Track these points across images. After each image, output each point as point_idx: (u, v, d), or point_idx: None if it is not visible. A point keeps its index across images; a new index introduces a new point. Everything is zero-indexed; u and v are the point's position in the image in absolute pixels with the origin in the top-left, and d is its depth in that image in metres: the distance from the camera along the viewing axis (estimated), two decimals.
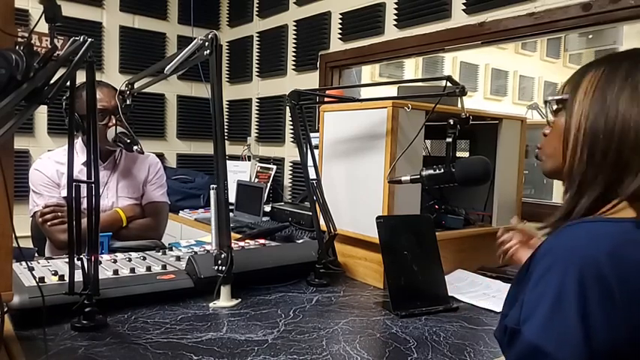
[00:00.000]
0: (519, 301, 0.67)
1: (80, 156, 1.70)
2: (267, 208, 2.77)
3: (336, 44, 2.94)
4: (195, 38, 1.22)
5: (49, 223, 1.82)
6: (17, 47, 0.79)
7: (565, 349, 0.60)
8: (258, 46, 3.60)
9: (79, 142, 1.90)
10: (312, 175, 1.51)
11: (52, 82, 0.85)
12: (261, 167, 3.24)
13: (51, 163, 1.92)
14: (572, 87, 0.78)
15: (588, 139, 0.73)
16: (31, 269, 1.03)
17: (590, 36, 4.03)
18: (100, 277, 1.07)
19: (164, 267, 1.31)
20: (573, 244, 0.66)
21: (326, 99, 1.85)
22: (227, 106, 3.85)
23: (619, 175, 0.71)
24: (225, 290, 1.22)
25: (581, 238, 0.66)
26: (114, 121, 1.85)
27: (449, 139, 1.28)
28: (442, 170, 1.28)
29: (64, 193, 1.84)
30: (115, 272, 1.22)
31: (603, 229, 0.67)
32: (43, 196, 1.88)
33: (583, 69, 0.79)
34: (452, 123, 1.27)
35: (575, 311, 0.60)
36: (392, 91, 1.96)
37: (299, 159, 1.50)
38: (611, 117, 0.71)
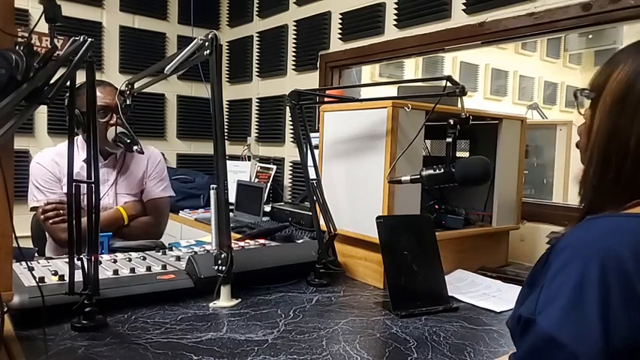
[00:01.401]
0: (535, 293, 0.66)
1: (81, 153, 1.69)
2: (267, 208, 2.77)
3: (336, 44, 2.94)
4: (195, 38, 1.22)
5: (50, 221, 1.82)
6: (17, 47, 0.79)
7: (581, 342, 0.58)
8: (258, 46, 3.59)
9: (79, 139, 1.90)
10: (312, 175, 1.51)
11: (52, 82, 0.85)
12: (261, 167, 3.24)
13: (52, 157, 1.92)
14: (599, 84, 0.76)
15: (602, 146, 0.73)
16: (31, 269, 1.03)
17: (590, 36, 4.03)
18: (100, 277, 1.07)
19: (164, 267, 1.31)
20: (593, 237, 0.65)
21: (326, 99, 1.85)
22: (227, 106, 3.84)
23: (634, 175, 0.70)
24: (225, 290, 1.22)
25: (601, 231, 0.65)
26: (115, 119, 1.85)
27: (449, 139, 1.28)
28: (442, 170, 1.28)
29: (65, 188, 1.84)
30: (115, 272, 1.22)
31: (625, 224, 0.66)
32: (43, 191, 1.88)
33: (612, 62, 0.76)
34: (452, 123, 1.27)
35: (595, 304, 0.59)
36: (392, 91, 1.96)
37: (299, 159, 1.50)
38: (625, 140, 0.70)
